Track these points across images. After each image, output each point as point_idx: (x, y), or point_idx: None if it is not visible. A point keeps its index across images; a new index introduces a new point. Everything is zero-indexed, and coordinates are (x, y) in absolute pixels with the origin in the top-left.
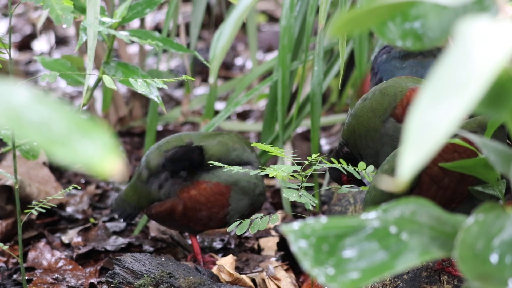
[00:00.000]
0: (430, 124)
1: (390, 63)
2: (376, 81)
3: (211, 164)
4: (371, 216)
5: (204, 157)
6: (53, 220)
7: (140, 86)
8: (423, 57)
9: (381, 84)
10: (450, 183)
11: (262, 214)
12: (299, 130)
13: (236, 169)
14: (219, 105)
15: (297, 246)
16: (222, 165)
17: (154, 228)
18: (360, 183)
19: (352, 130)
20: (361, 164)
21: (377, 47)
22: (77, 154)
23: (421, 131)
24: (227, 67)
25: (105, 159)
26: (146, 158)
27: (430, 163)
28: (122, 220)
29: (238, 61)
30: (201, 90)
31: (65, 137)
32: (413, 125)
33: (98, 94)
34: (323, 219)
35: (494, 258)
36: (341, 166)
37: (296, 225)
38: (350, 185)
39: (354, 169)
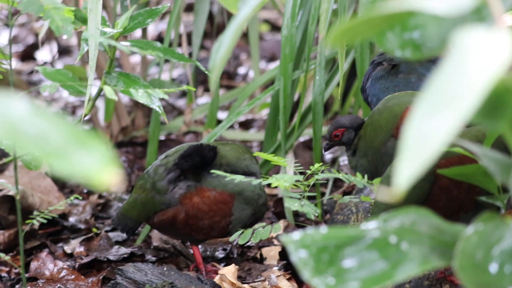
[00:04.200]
0: (426, 135)
1: (375, 86)
2: (371, 106)
3: (214, 173)
4: (371, 226)
5: (216, 156)
6: (56, 230)
7: (141, 96)
8: (406, 75)
9: (386, 101)
10: (459, 194)
11: (264, 224)
12: (301, 139)
13: (239, 178)
14: (222, 115)
15: (297, 256)
16: (225, 174)
17: (157, 238)
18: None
19: (357, 143)
20: (377, 180)
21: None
22: (74, 166)
23: (417, 142)
24: (229, 76)
25: (103, 171)
26: (159, 163)
27: (440, 175)
28: (124, 234)
29: (241, 70)
30: (203, 100)
31: (62, 149)
32: (409, 135)
33: (100, 104)
34: (323, 229)
35: (493, 267)
36: (342, 176)
37: (296, 235)
38: (353, 196)
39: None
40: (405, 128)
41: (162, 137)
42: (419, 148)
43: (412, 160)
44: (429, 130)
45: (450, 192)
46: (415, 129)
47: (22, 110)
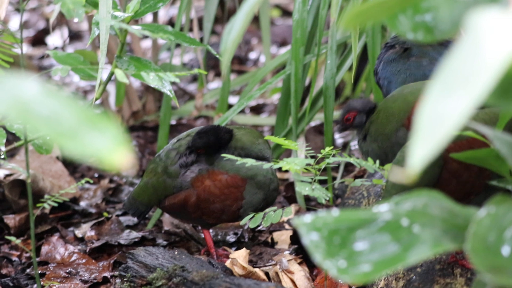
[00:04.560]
0: (441, 116)
1: (386, 69)
2: (382, 89)
3: (226, 157)
4: (383, 209)
5: (231, 139)
6: (67, 214)
7: (152, 80)
8: (417, 58)
9: (401, 89)
10: (469, 177)
11: (275, 208)
12: (313, 124)
13: (250, 161)
14: (233, 99)
15: (309, 239)
16: (236, 158)
17: (168, 222)
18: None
19: (368, 128)
20: (388, 165)
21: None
22: (86, 147)
23: (432, 123)
24: (241, 61)
25: (114, 152)
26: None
27: (450, 159)
28: (135, 218)
29: (252, 55)
30: (214, 84)
31: (74, 130)
32: (423, 116)
33: (111, 89)
34: (335, 211)
35: (506, 250)
36: (353, 160)
37: (307, 218)
38: (364, 179)
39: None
40: (420, 109)
41: (173, 122)
42: (433, 129)
43: (427, 141)
44: (443, 111)
45: (460, 175)
46: (429, 110)
47: (34, 91)
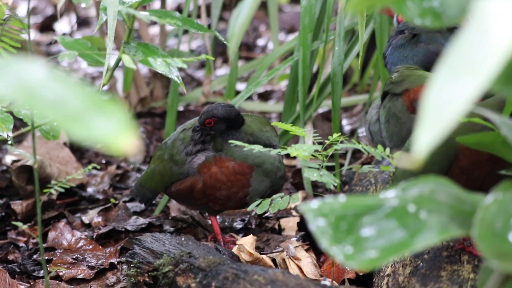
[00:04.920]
0: (446, 101)
1: (394, 54)
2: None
3: (233, 143)
4: (390, 195)
5: (243, 124)
6: (74, 201)
7: (159, 65)
8: (426, 44)
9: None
10: (480, 175)
11: (282, 194)
12: (320, 110)
13: (257, 148)
14: (240, 86)
15: (315, 225)
16: (243, 144)
17: (175, 209)
18: None
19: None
20: (397, 153)
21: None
22: (92, 132)
23: (437, 108)
24: (248, 48)
25: (121, 137)
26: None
27: (462, 156)
28: (142, 204)
29: (260, 42)
30: (222, 71)
31: (80, 114)
32: (429, 102)
33: (119, 75)
34: (342, 197)
35: None
36: (361, 147)
37: (314, 203)
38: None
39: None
40: (425, 94)
41: (181, 108)
42: (439, 114)
43: (433, 126)
44: (449, 96)
45: (471, 173)
46: (435, 95)
47: (40, 75)
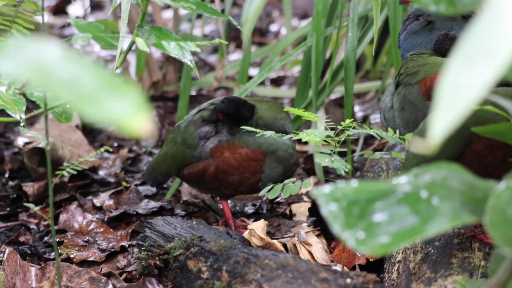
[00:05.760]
0: (462, 87)
1: (408, 40)
2: (403, 59)
3: (244, 129)
4: (402, 181)
5: (252, 117)
6: (85, 183)
7: (173, 49)
8: (440, 32)
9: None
10: (492, 161)
11: (294, 179)
12: (333, 96)
13: (269, 133)
14: (253, 71)
15: (328, 210)
16: (255, 129)
17: (186, 192)
18: None
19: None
20: (408, 135)
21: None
22: (106, 112)
23: (453, 94)
24: (261, 33)
25: (135, 118)
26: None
27: (475, 139)
28: (154, 188)
29: (273, 28)
30: (235, 56)
31: (94, 94)
32: (444, 88)
33: (132, 59)
34: (354, 182)
35: None
36: (374, 132)
37: (327, 188)
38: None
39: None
40: (441, 80)
41: (193, 92)
42: (454, 101)
43: (448, 112)
44: (464, 83)
45: (483, 158)
46: (450, 81)
47: (55, 55)
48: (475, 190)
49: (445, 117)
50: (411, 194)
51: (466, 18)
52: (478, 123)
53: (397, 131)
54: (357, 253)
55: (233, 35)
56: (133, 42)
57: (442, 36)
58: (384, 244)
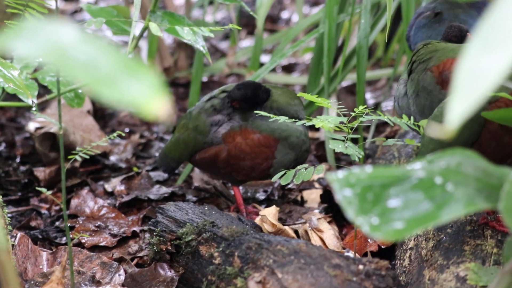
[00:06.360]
0: (479, 72)
1: (418, 35)
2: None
3: (258, 113)
4: (417, 167)
5: (268, 99)
6: (97, 169)
7: (186, 34)
8: (449, 23)
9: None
10: (510, 140)
11: (307, 165)
12: (344, 84)
13: (282, 119)
14: (265, 58)
15: (342, 195)
16: (268, 114)
17: (198, 178)
18: None
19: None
20: (423, 121)
21: (424, 1)
22: (123, 94)
23: (470, 79)
24: (273, 20)
25: (152, 100)
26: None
27: (490, 120)
28: (166, 174)
29: (284, 15)
30: (246, 43)
31: (111, 76)
32: (462, 73)
33: (143, 45)
34: (368, 168)
35: None
36: (387, 118)
37: (341, 174)
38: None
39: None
40: (458, 65)
41: (205, 79)
42: (471, 86)
43: (465, 97)
44: (482, 68)
45: (500, 138)
46: (468, 66)
47: (72, 37)
48: (490, 177)
49: (462, 102)
50: (426, 180)
51: (473, 5)
52: (491, 103)
53: (411, 118)
54: (369, 240)
55: (245, 22)
56: (145, 28)
57: (449, 26)
58: (398, 230)
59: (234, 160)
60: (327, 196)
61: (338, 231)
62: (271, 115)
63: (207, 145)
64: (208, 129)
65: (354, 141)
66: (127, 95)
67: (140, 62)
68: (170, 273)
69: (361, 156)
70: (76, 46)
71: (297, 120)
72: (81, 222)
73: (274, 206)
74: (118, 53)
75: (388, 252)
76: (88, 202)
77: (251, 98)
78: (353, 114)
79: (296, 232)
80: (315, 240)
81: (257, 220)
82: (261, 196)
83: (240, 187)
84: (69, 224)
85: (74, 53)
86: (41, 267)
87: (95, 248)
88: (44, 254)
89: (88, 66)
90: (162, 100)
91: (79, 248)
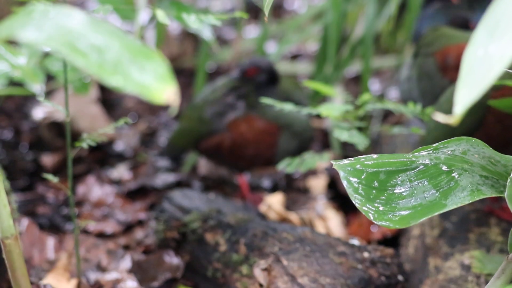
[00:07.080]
0: (486, 60)
1: (424, 25)
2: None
3: (263, 103)
4: (422, 154)
5: (279, 81)
6: (103, 157)
7: (193, 22)
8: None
9: (443, 27)
10: None
11: (312, 153)
12: (349, 73)
13: (288, 107)
14: (269, 47)
15: (348, 182)
16: (273, 102)
17: (203, 167)
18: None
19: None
20: (430, 109)
21: None
22: (130, 80)
23: (477, 66)
24: (277, 9)
25: (159, 85)
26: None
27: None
28: (172, 162)
29: (289, 4)
30: (252, 33)
31: (120, 62)
32: (468, 60)
33: (149, 33)
34: (374, 155)
35: None
36: (393, 105)
37: (347, 161)
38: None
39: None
40: (465, 52)
41: (210, 68)
42: (478, 72)
43: (472, 83)
44: (488, 55)
45: (505, 120)
46: (474, 53)
47: (81, 21)
48: (496, 165)
49: (469, 88)
50: (432, 168)
51: None
52: (495, 89)
53: (418, 105)
54: (374, 228)
55: (252, 14)
56: (153, 15)
57: (454, 15)
58: (404, 217)
59: (238, 148)
60: (333, 184)
61: (344, 218)
62: (276, 103)
63: (212, 134)
64: (212, 119)
65: (359, 130)
66: (135, 80)
67: (149, 48)
68: (176, 260)
69: (366, 145)
70: (84, 31)
71: (303, 108)
72: (87, 209)
73: (280, 194)
74: (128, 38)
75: (392, 240)
76: (94, 189)
77: (274, 72)
78: (358, 102)
79: (301, 219)
80: (320, 228)
81: (263, 207)
82: (266, 184)
83: (246, 175)
84: (75, 211)
85: (83, 38)
86: (47, 253)
87: (101, 235)
88: (51, 241)
89: (98, 50)
90: (171, 85)
91: (86, 235)
